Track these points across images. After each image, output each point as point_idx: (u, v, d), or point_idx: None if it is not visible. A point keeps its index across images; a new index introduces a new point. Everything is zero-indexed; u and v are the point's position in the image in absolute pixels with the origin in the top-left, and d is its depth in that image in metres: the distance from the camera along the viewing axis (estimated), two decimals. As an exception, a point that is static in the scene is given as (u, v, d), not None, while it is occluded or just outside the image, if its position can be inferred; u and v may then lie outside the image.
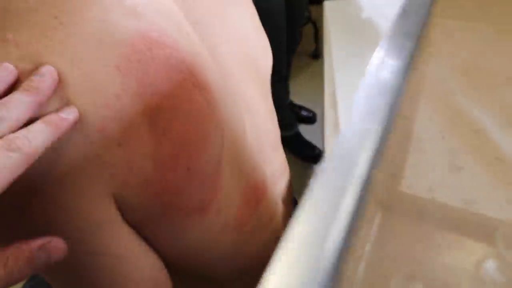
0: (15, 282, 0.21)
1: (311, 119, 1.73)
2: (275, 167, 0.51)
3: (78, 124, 0.25)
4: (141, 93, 0.27)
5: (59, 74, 0.24)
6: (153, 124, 0.28)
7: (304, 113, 1.74)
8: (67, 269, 0.29)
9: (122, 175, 0.27)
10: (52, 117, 0.24)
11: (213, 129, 0.32)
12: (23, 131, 0.22)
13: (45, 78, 0.23)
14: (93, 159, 0.26)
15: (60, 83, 0.24)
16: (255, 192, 0.41)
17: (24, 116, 0.23)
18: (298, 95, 1.73)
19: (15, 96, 0.23)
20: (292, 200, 0.59)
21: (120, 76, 0.26)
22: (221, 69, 0.38)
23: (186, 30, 0.33)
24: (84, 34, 0.25)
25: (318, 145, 1.59)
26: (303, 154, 1.57)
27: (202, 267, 0.41)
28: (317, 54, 2.05)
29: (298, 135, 1.61)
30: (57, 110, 0.24)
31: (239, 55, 0.42)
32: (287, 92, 1.55)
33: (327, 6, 0.97)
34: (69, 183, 0.25)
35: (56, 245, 0.23)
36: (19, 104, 0.23)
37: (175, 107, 0.29)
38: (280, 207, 0.50)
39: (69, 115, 0.24)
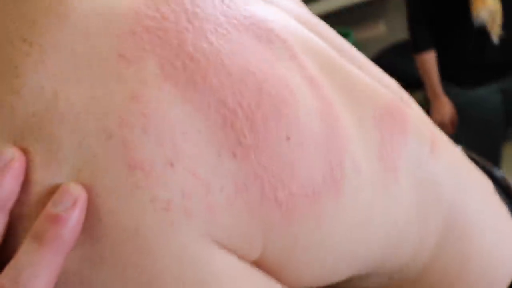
0: None
1: None
2: (396, 89, 0.35)
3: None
4: (168, 73, 0.18)
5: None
6: (206, 106, 0.18)
7: None
8: None
9: (201, 202, 0.18)
10: (48, 232, 0.16)
11: (288, 71, 0.22)
12: None
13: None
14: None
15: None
16: (391, 114, 0.27)
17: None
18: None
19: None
20: None
21: (130, 65, 0.18)
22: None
23: None
24: (63, 38, 0.18)
25: None
26: None
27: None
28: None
29: None
30: None
31: None
32: None
33: None
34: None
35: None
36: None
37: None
38: None
39: (70, 211, 0.16)
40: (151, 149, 0.17)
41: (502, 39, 1.18)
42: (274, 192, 0.20)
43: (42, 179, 0.17)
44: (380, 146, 0.26)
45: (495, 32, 1.17)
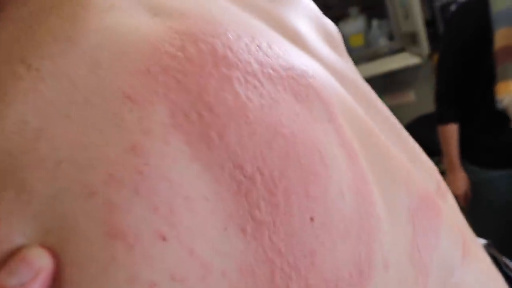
0: None
1: None
2: (434, 177, 0.33)
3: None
4: (178, 123, 0.15)
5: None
6: (219, 169, 0.16)
7: None
8: None
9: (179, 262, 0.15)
10: None
11: (324, 136, 0.19)
12: None
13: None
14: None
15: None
16: (425, 207, 0.25)
17: None
18: None
19: None
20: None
21: (134, 109, 0.15)
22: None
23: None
24: (64, 69, 0.15)
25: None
26: None
27: None
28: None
29: None
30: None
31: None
32: None
33: None
34: None
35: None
36: None
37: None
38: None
39: (31, 283, 0.13)
40: (140, 216, 0.14)
41: None
42: (287, 282, 0.16)
43: (1, 235, 0.13)
44: (412, 244, 0.23)
45: None
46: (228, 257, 0.15)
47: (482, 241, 0.41)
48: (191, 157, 0.15)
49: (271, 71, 0.18)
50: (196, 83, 0.16)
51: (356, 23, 2.43)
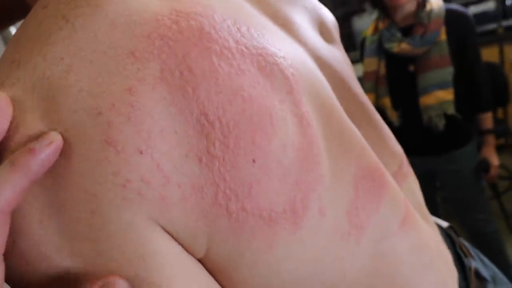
0: None
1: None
2: (398, 159, 0.38)
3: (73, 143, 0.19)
4: (165, 77, 0.20)
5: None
6: (188, 113, 0.20)
7: None
8: None
9: (157, 190, 0.19)
10: (21, 158, 0.18)
11: (279, 103, 0.23)
12: None
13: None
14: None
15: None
16: (371, 178, 0.28)
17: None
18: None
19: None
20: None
21: (135, 62, 0.20)
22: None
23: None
24: (93, 25, 0.20)
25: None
26: None
27: None
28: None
29: None
30: (30, 140, 0.19)
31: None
32: None
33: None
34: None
35: (117, 284, 0.18)
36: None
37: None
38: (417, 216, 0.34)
39: (44, 147, 0.18)
40: (128, 135, 0.19)
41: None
42: (227, 201, 0.21)
43: (33, 127, 0.19)
44: (351, 204, 0.27)
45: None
46: (185, 176, 0.20)
47: (444, 223, 0.45)
48: (170, 102, 0.20)
49: (243, 48, 0.22)
50: (182, 50, 0.20)
51: (372, 18, 2.51)
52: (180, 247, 0.21)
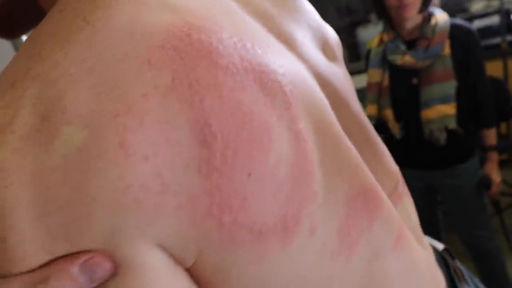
0: None
1: None
2: (393, 179, 0.39)
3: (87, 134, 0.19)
4: (175, 86, 0.20)
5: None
6: (194, 123, 0.21)
7: None
8: None
9: (152, 198, 0.20)
10: None
11: (277, 119, 0.23)
12: None
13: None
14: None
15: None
16: (365, 197, 0.29)
17: None
18: None
19: None
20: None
21: (151, 70, 0.20)
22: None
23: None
24: (112, 29, 0.21)
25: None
26: None
27: None
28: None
29: None
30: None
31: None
32: None
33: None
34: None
35: (100, 261, 0.19)
36: None
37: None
38: (409, 235, 0.35)
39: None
40: (140, 140, 0.19)
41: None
42: (220, 213, 0.21)
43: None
44: (342, 222, 0.27)
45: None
46: (182, 185, 0.20)
47: (440, 246, 0.45)
48: (178, 111, 0.20)
49: (247, 65, 0.23)
50: (192, 61, 0.21)
51: (377, 29, 2.52)
52: (167, 255, 0.21)
